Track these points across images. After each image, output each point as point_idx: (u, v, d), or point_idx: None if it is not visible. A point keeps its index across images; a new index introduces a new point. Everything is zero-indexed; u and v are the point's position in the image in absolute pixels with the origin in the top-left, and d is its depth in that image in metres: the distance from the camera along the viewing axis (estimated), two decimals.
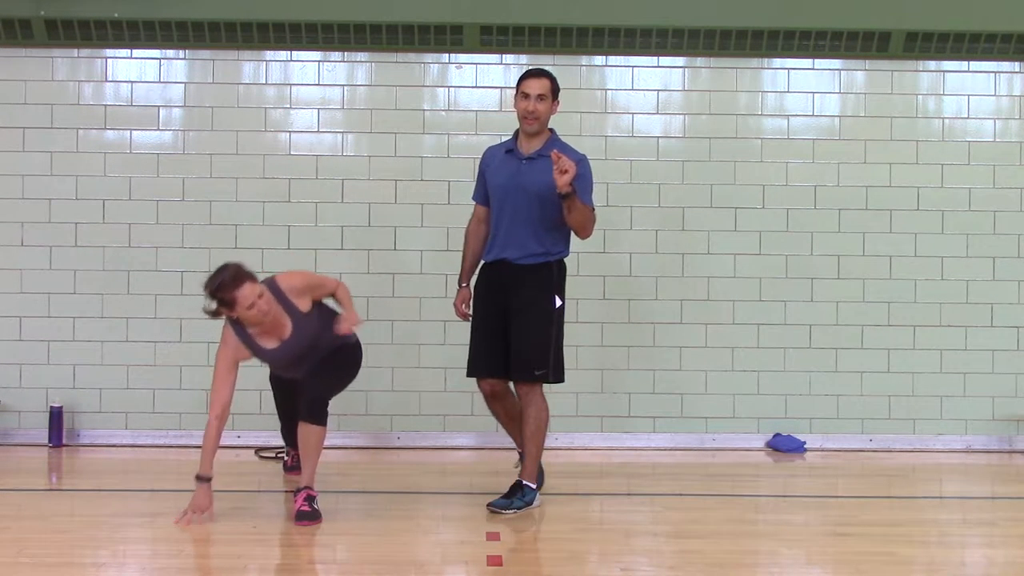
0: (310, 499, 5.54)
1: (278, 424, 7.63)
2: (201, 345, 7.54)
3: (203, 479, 5.44)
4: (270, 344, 5.61)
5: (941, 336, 7.77)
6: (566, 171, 5.48)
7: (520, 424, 5.91)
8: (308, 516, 5.47)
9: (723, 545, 5.19)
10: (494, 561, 4.81)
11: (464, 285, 6.13)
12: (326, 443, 7.40)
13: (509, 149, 5.94)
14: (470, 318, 6.04)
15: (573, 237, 5.93)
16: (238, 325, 5.54)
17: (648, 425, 7.71)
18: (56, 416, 7.46)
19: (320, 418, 5.62)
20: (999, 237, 7.79)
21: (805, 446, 7.68)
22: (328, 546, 5.19)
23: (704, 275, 7.72)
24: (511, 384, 5.96)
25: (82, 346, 7.59)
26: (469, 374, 6.05)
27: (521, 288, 5.79)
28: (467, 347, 7.55)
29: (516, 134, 5.96)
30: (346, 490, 6.45)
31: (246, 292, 5.37)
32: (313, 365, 5.74)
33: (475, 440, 7.66)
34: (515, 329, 5.79)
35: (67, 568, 4.73)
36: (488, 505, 5.74)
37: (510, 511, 5.68)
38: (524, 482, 5.81)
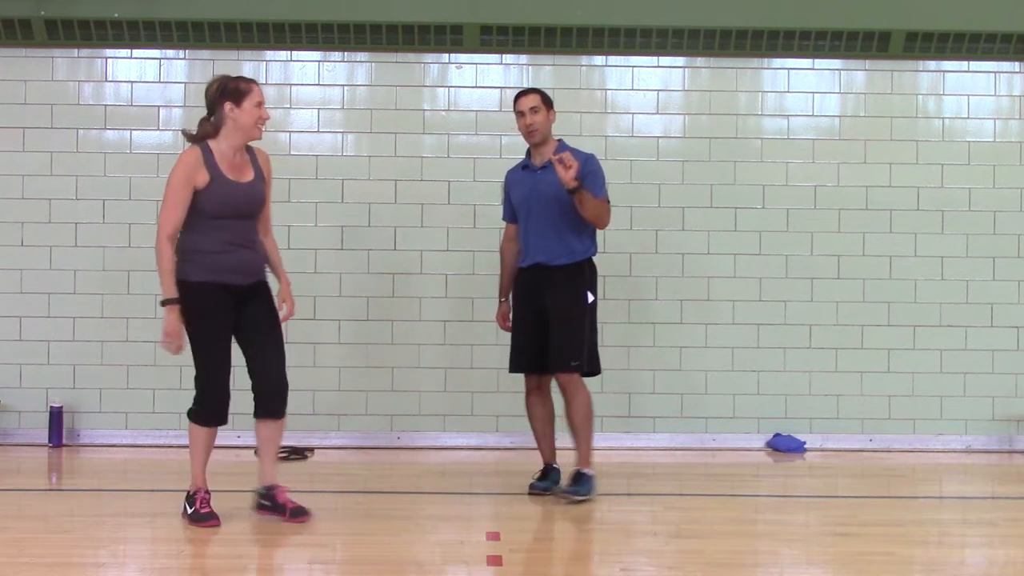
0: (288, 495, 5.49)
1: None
2: None
3: (171, 301, 5.18)
4: (231, 175, 5.32)
5: (941, 336, 7.78)
6: (569, 167, 5.80)
7: (551, 428, 6.23)
8: (303, 511, 5.43)
9: (723, 545, 5.19)
10: (494, 561, 4.81)
11: (504, 300, 6.42)
12: (326, 443, 7.48)
13: (525, 165, 6.26)
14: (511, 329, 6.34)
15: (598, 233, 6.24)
16: (206, 145, 5.30)
17: (648, 425, 7.71)
18: (56, 416, 7.46)
19: (284, 412, 5.53)
20: (999, 237, 7.79)
21: (805, 446, 7.68)
22: (328, 546, 5.19)
23: (704, 275, 7.72)
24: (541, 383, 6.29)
25: (82, 346, 7.60)
26: (511, 370, 6.27)
27: (556, 288, 6.06)
28: (467, 347, 7.66)
29: (529, 151, 6.24)
30: (346, 490, 6.45)
31: (261, 92, 5.36)
32: (262, 324, 5.45)
33: (475, 440, 7.66)
34: (552, 325, 6.05)
35: (67, 568, 4.72)
36: (557, 491, 5.99)
37: (580, 496, 5.89)
38: (583, 471, 6.01)
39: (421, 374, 7.66)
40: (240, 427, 7.57)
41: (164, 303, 5.22)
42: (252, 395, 5.45)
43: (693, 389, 7.73)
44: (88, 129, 7.63)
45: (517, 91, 6.23)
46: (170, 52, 7.65)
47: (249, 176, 5.41)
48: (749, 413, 7.74)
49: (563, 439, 6.45)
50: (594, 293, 6.13)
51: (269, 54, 7.67)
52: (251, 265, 5.45)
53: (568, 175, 5.81)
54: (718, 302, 7.73)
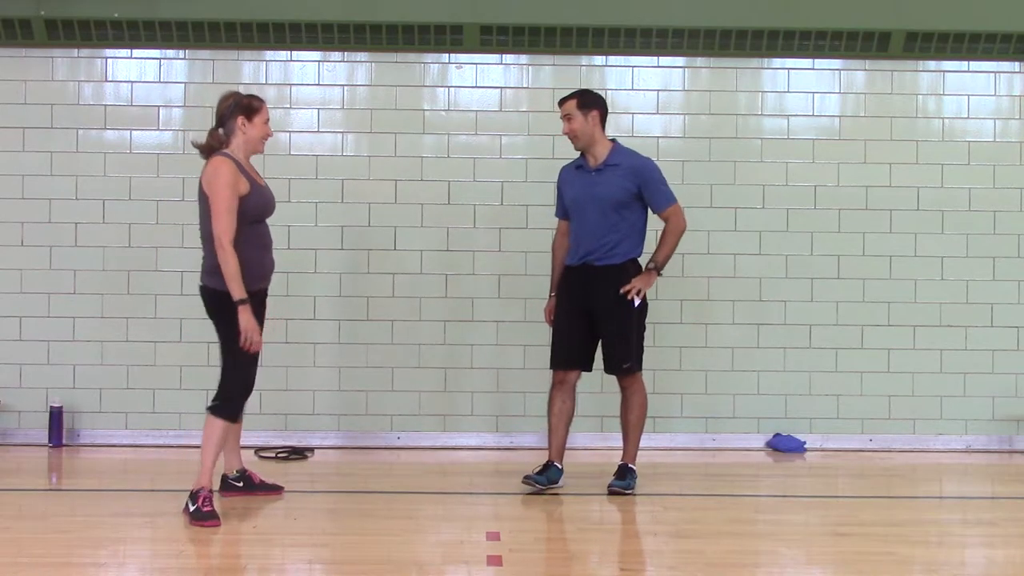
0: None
1: (277, 424, 7.70)
2: (201, 345, 7.53)
3: (244, 302, 5.43)
4: (259, 182, 5.70)
5: (941, 336, 7.77)
6: (630, 293, 6.12)
7: (566, 427, 6.33)
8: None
9: (723, 545, 5.19)
10: (494, 561, 4.81)
11: (553, 295, 6.50)
12: (326, 443, 7.48)
13: (579, 165, 6.37)
14: None
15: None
16: (230, 155, 5.57)
17: (648, 425, 7.66)
18: (56, 416, 7.46)
19: None
20: (999, 237, 7.79)
21: (805, 446, 7.68)
22: (328, 546, 5.19)
23: (704, 275, 7.72)
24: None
25: (82, 346, 7.59)
26: (553, 366, 6.36)
27: (605, 289, 6.18)
28: (467, 347, 7.67)
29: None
30: (346, 490, 6.45)
31: (267, 109, 5.74)
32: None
33: (475, 440, 7.66)
34: (603, 328, 6.21)
35: (67, 568, 4.73)
36: (608, 490, 6.15)
37: (629, 491, 6.15)
38: (630, 465, 6.28)
39: (421, 374, 7.65)
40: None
41: (239, 303, 5.43)
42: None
43: (693, 389, 7.73)
44: (88, 129, 7.63)
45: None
46: (170, 52, 7.64)
47: (263, 181, 5.78)
48: (749, 413, 7.74)
49: (570, 439, 6.45)
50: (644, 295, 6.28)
51: (269, 54, 7.66)
52: (273, 268, 5.83)
53: (635, 295, 6.11)
54: (718, 302, 7.73)
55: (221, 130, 5.62)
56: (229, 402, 5.58)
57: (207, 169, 5.53)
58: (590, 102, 6.25)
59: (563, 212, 6.45)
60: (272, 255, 5.78)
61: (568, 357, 6.31)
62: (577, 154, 6.41)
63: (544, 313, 6.57)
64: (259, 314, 5.60)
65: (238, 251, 5.43)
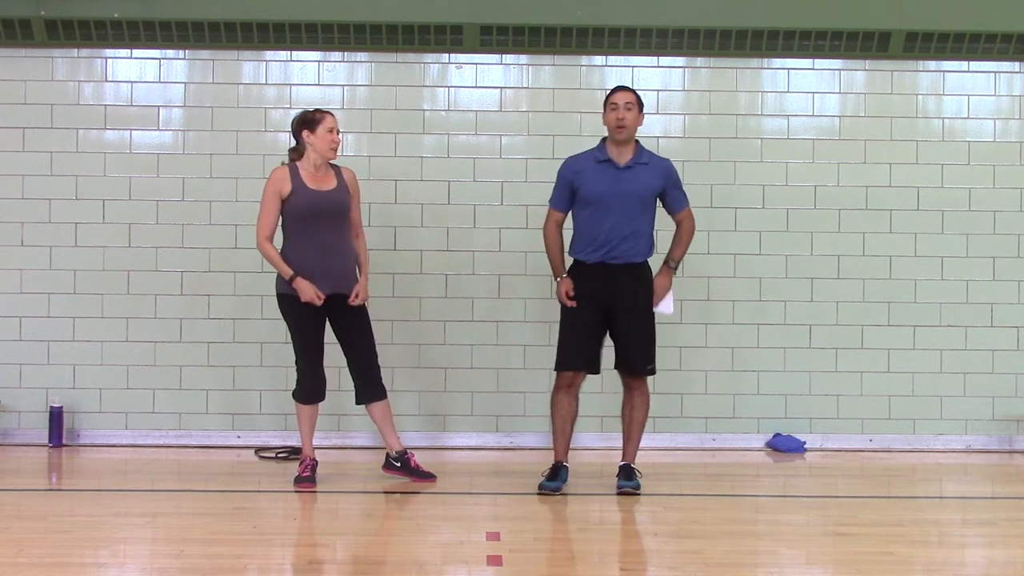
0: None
1: (277, 424, 7.68)
2: (201, 345, 7.55)
3: (295, 276, 6.23)
4: (312, 185, 6.28)
5: (941, 336, 7.77)
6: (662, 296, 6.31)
7: (572, 428, 6.36)
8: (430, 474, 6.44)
9: (723, 545, 5.19)
10: (494, 561, 4.81)
11: (565, 276, 6.33)
12: (326, 443, 7.47)
13: (602, 159, 6.27)
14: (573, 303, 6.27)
15: None
16: (293, 164, 6.32)
17: (648, 425, 7.67)
18: (56, 416, 7.45)
19: (384, 392, 6.55)
20: (999, 237, 7.79)
21: (805, 446, 7.68)
22: (328, 546, 5.19)
23: (704, 275, 7.72)
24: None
25: (82, 346, 7.59)
26: (565, 368, 6.28)
27: (626, 288, 6.18)
28: (467, 347, 7.67)
29: (602, 145, 6.30)
30: (346, 490, 6.45)
31: (334, 120, 6.33)
32: (352, 330, 6.49)
33: (475, 440, 7.66)
34: (627, 327, 6.22)
35: (67, 568, 4.73)
36: (619, 491, 6.17)
37: (639, 490, 6.19)
38: (632, 466, 6.31)
39: (421, 374, 7.65)
40: (240, 427, 7.64)
41: (290, 279, 6.27)
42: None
43: (693, 389, 7.72)
44: (88, 129, 7.63)
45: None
46: (170, 52, 7.64)
47: (330, 184, 6.33)
48: (749, 413, 7.74)
49: (571, 439, 6.45)
50: None
51: (269, 54, 7.66)
52: (328, 273, 6.29)
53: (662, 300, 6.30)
54: (718, 302, 7.73)
55: (297, 146, 6.35)
56: (297, 385, 6.48)
57: None
58: (643, 104, 6.32)
59: (565, 204, 6.32)
60: (329, 259, 6.26)
61: (586, 360, 6.26)
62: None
63: (560, 296, 6.25)
64: (313, 313, 6.35)
65: (287, 247, 6.31)
